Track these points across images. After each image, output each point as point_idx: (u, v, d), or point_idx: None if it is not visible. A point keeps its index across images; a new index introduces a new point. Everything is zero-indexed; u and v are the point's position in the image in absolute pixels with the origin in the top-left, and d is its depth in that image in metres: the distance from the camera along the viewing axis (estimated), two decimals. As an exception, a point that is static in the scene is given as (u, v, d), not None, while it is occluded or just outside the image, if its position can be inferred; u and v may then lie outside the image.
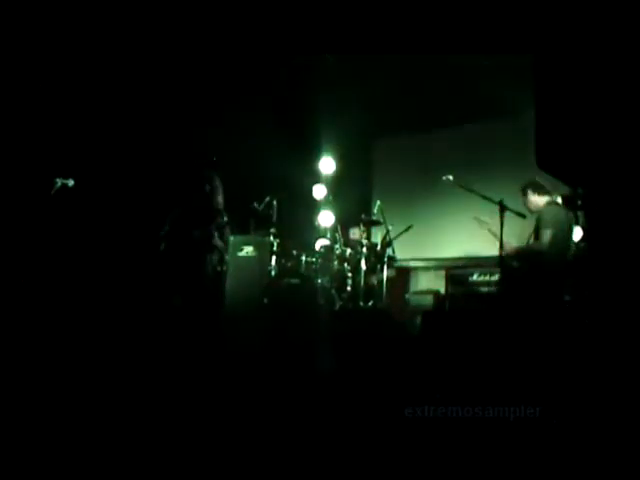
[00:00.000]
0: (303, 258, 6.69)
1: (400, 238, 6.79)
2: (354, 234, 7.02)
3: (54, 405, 3.42)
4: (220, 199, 6.04)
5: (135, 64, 6.39)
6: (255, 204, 6.45)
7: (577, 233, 5.96)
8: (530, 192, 5.63)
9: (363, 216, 6.99)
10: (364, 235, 6.90)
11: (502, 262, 5.49)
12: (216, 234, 5.90)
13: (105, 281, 6.06)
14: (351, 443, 2.82)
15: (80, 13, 5.85)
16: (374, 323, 5.98)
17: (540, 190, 5.61)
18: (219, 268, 5.99)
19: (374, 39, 6.30)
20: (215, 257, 5.88)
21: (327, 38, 6.35)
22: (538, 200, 5.61)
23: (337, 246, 6.82)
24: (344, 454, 2.74)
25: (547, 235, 5.35)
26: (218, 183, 6.07)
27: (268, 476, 2.62)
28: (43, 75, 5.94)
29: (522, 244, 5.62)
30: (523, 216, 5.52)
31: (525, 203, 5.68)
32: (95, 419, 3.31)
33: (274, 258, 6.42)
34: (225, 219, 6.04)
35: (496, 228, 5.49)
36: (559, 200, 5.64)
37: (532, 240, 5.56)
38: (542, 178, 5.93)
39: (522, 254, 5.57)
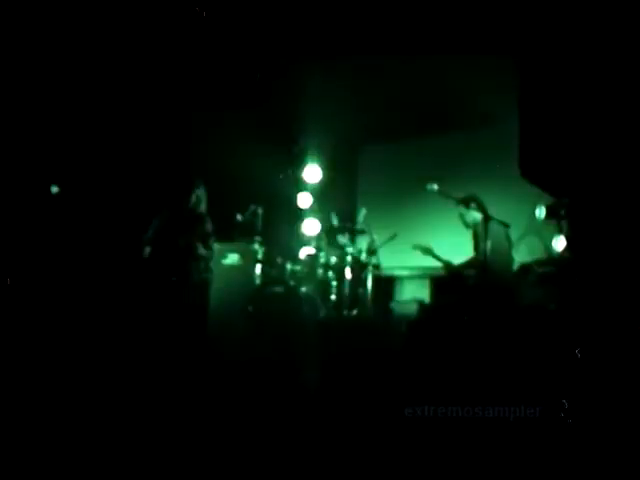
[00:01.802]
0: (288, 266, 6.67)
1: (385, 247, 6.81)
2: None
3: (40, 399, 3.39)
4: (204, 207, 6.03)
5: (122, 71, 6.35)
6: (238, 216, 6.43)
7: (561, 242, 6.03)
8: (473, 206, 5.78)
9: (348, 224, 7.02)
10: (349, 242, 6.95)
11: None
12: (200, 243, 5.87)
13: (88, 284, 5.99)
14: (351, 443, 2.82)
15: (61, 25, 5.82)
16: (359, 332, 5.99)
17: (481, 206, 5.75)
18: (204, 276, 5.96)
19: (360, 44, 6.33)
20: (200, 265, 5.84)
21: (312, 45, 6.36)
22: (477, 215, 5.74)
23: (322, 254, 6.81)
24: (344, 454, 2.73)
25: (486, 246, 5.48)
26: (203, 191, 6.06)
27: (269, 476, 2.60)
28: (25, 80, 5.88)
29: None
30: (507, 225, 5.58)
31: (464, 215, 5.85)
32: (80, 415, 3.28)
33: (259, 266, 6.39)
34: (210, 227, 6.03)
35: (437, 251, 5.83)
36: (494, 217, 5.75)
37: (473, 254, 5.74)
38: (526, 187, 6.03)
39: (465, 268, 5.76)
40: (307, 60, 6.66)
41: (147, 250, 5.59)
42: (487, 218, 5.59)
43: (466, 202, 5.79)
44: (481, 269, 5.56)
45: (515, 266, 5.88)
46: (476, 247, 5.74)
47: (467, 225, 5.84)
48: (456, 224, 5.91)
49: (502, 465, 2.60)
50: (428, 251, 5.99)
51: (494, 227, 5.57)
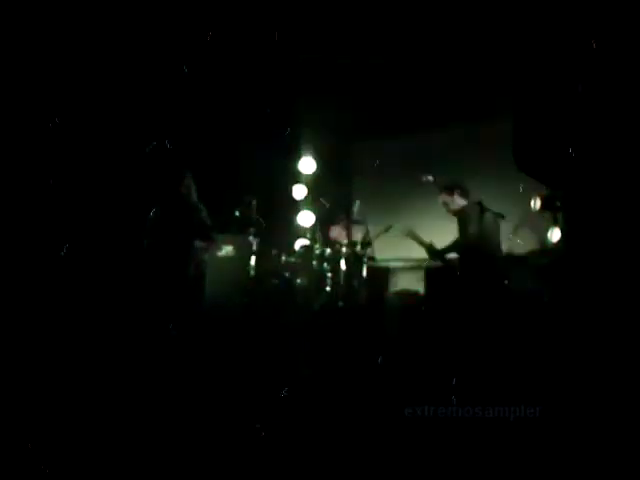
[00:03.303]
0: (283, 258, 6.67)
1: (380, 238, 6.80)
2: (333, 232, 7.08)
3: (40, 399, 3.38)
4: (195, 195, 5.99)
5: (115, 61, 6.30)
6: (237, 211, 6.43)
7: (556, 234, 6.04)
8: (457, 193, 5.83)
9: (343, 216, 7.01)
10: (344, 235, 6.95)
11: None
12: (197, 235, 5.85)
13: (86, 278, 5.98)
14: (351, 443, 2.82)
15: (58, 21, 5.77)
16: (354, 323, 5.99)
17: (466, 194, 5.84)
18: (200, 268, 5.95)
19: (360, 39, 6.32)
20: (197, 257, 5.83)
21: (311, 38, 6.34)
22: (461, 202, 5.81)
23: (317, 246, 6.80)
24: (344, 454, 2.74)
25: (471, 229, 5.56)
26: (191, 180, 6.02)
27: (266, 476, 2.61)
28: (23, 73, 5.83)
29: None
30: (502, 216, 5.58)
31: (447, 202, 5.87)
32: (78, 413, 3.28)
33: (254, 258, 6.39)
34: (206, 217, 5.99)
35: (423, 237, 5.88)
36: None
37: (458, 238, 5.76)
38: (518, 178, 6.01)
39: (448, 251, 5.82)
40: (303, 54, 6.63)
41: (146, 243, 5.58)
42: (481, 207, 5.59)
43: (450, 190, 5.84)
44: (466, 253, 5.62)
45: (506, 256, 5.89)
46: (462, 232, 5.76)
47: (452, 212, 5.86)
48: (452, 216, 5.91)
49: (502, 465, 2.62)
50: (411, 233, 5.96)
51: (477, 210, 5.61)
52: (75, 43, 5.88)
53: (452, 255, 5.86)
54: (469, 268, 5.61)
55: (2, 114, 5.60)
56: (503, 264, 5.62)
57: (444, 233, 5.98)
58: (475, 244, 5.55)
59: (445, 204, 5.89)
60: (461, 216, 5.77)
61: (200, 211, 5.90)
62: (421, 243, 5.90)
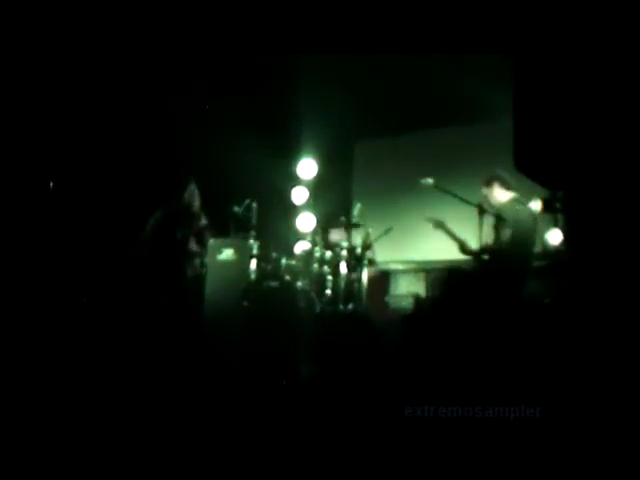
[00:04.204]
0: (283, 261, 6.64)
1: (380, 241, 6.79)
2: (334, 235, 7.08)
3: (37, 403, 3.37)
4: (197, 202, 6.01)
5: (113, 62, 6.30)
6: (236, 208, 6.41)
7: (556, 236, 6.03)
8: (497, 185, 5.51)
9: (343, 218, 7.00)
10: (344, 237, 6.95)
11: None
12: (195, 240, 5.86)
13: (83, 283, 5.97)
14: (351, 443, 2.81)
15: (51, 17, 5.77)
16: (354, 326, 5.98)
17: (507, 185, 5.50)
18: (198, 272, 5.96)
19: (358, 39, 6.31)
20: (195, 262, 5.84)
21: (309, 37, 6.34)
22: (502, 195, 5.51)
23: (317, 249, 6.80)
24: (344, 454, 2.73)
25: (507, 233, 5.24)
26: (195, 186, 6.04)
27: (267, 476, 2.60)
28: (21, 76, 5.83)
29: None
30: (503, 219, 5.54)
31: (486, 196, 5.55)
32: (78, 417, 3.27)
33: (254, 261, 6.37)
34: (204, 222, 6.01)
35: (451, 226, 5.52)
36: (522, 199, 5.57)
37: (491, 238, 5.42)
38: (519, 180, 5.99)
39: (481, 253, 5.46)
40: (304, 54, 6.63)
41: (143, 248, 5.59)
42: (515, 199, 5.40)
43: (489, 181, 5.57)
44: (497, 257, 5.31)
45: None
46: (496, 231, 5.40)
47: (490, 206, 5.45)
48: (452, 219, 5.88)
49: (502, 465, 2.60)
50: (441, 225, 5.65)
51: (520, 209, 5.39)
52: (74, 45, 5.88)
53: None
54: (494, 278, 5.27)
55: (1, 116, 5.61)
56: (529, 269, 5.30)
57: (443, 235, 5.97)
58: (507, 251, 5.21)
59: (485, 198, 5.53)
60: (497, 215, 5.35)
61: (200, 218, 5.91)
62: (454, 238, 5.58)
